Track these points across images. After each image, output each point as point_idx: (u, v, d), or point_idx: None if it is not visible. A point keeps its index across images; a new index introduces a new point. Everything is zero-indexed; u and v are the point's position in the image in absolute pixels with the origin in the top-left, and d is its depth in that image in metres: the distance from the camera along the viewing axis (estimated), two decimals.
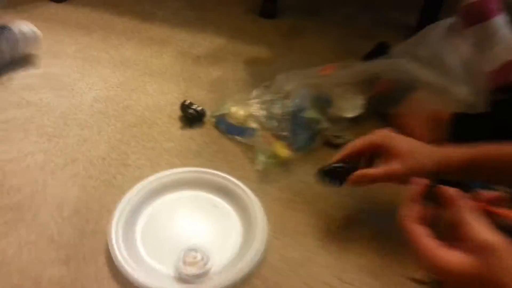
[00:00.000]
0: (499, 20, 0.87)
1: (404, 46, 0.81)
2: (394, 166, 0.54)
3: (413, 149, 0.56)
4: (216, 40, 1.07)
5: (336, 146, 0.77)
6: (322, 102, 0.82)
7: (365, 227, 0.63)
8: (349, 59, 0.94)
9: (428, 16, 1.09)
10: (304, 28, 1.17)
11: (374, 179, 0.56)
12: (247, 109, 0.77)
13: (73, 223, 0.60)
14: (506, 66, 0.90)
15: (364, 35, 1.11)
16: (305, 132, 0.75)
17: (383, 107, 0.85)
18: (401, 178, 0.53)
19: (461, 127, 0.79)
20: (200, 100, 0.84)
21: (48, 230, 0.59)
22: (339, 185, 0.59)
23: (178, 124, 0.80)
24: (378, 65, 0.77)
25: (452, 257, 0.33)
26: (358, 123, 0.82)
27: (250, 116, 0.76)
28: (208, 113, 0.81)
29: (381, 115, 0.85)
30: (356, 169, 0.58)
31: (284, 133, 0.73)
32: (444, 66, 0.76)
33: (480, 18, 0.88)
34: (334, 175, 0.59)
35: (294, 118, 0.75)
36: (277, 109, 0.75)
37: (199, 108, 0.81)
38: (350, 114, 0.83)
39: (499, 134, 0.66)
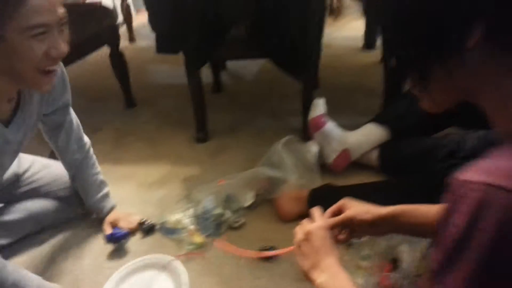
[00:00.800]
0: (329, 126, 1.37)
1: (265, 158, 1.29)
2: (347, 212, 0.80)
3: (360, 205, 0.81)
4: (164, 167, 1.56)
5: (236, 228, 1.21)
6: (228, 200, 1.28)
7: None
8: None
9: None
10: (227, 146, 1.67)
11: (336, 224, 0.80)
12: (176, 216, 1.22)
13: None
14: (342, 154, 1.37)
15: (269, 143, 1.60)
16: (212, 224, 1.19)
17: (267, 195, 1.30)
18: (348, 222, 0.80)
19: (315, 199, 1.23)
20: (152, 214, 1.29)
21: None
22: None
23: (139, 235, 1.25)
24: (252, 173, 1.25)
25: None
26: (250, 210, 1.27)
27: (179, 221, 1.21)
28: (157, 224, 1.27)
29: (267, 200, 1.30)
30: None
31: (199, 227, 1.18)
32: (285, 166, 1.23)
33: (317, 128, 1.37)
34: None
35: (205, 217, 1.20)
36: (194, 213, 1.21)
37: (151, 222, 1.27)
38: (245, 205, 1.28)
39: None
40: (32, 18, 0.79)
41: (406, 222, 0.76)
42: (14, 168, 1.24)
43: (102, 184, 1.29)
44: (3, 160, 1.02)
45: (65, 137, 1.19)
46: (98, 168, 1.29)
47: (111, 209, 1.29)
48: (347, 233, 0.82)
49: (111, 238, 1.19)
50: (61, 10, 0.84)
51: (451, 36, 0.46)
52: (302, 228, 0.76)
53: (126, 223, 1.25)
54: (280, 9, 1.32)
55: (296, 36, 1.36)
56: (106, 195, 1.29)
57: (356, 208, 0.80)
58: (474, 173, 0.41)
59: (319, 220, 0.77)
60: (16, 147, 1.04)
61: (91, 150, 1.28)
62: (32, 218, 1.25)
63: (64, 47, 0.86)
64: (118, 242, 1.19)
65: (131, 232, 1.24)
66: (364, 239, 1.07)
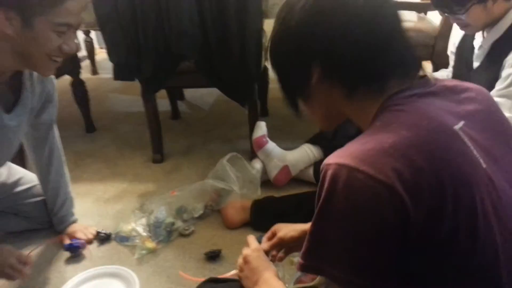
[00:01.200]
0: (269, 146, 1.56)
1: (213, 172, 1.45)
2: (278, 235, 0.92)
3: (288, 226, 0.93)
4: (121, 185, 1.68)
5: (186, 235, 1.34)
6: (179, 211, 1.41)
7: None
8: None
9: None
10: (181, 166, 1.81)
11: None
12: (131, 225, 1.34)
13: None
14: (283, 170, 1.56)
15: (217, 161, 1.76)
16: (164, 231, 1.32)
17: (215, 206, 1.45)
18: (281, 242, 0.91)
19: (257, 208, 1.39)
20: (109, 226, 1.40)
21: None
22: None
23: (96, 244, 1.35)
24: (200, 185, 1.40)
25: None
26: (200, 219, 1.41)
27: (132, 229, 1.33)
28: (113, 233, 1.37)
29: (216, 211, 1.44)
30: None
31: (150, 235, 1.30)
32: (229, 178, 1.39)
33: (260, 146, 1.56)
34: None
35: (157, 225, 1.32)
36: (147, 222, 1.33)
37: (107, 232, 1.37)
38: (196, 215, 1.42)
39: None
40: (61, 17, 0.93)
41: None
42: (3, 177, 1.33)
43: (68, 201, 1.38)
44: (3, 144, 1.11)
45: (48, 153, 1.29)
46: (69, 186, 1.39)
47: (65, 227, 1.37)
48: (285, 251, 0.95)
49: (69, 248, 1.28)
50: (82, 16, 0.99)
51: (297, 74, 0.67)
52: (242, 255, 0.88)
53: (83, 235, 1.35)
54: (222, 44, 1.52)
55: (237, 67, 1.55)
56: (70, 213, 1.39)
57: (285, 229, 0.93)
58: (332, 157, 0.59)
59: (253, 245, 0.89)
60: (11, 135, 1.12)
61: (66, 169, 1.37)
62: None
63: (74, 46, 1.00)
64: (75, 252, 1.29)
65: (87, 242, 1.33)
66: None
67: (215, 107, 2.48)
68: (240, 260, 0.87)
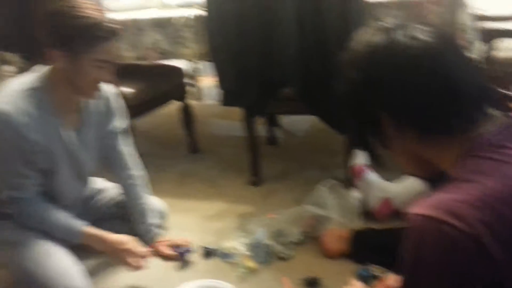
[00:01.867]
0: (370, 175, 1.52)
1: (310, 198, 1.46)
2: None
3: None
4: (221, 204, 1.77)
5: (284, 259, 1.36)
6: (277, 234, 1.44)
7: None
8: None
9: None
10: (277, 190, 1.86)
11: None
12: (232, 243, 1.40)
13: None
14: (384, 201, 1.51)
15: (314, 188, 1.76)
16: (263, 253, 1.35)
17: (312, 233, 1.45)
18: None
19: (358, 240, 1.36)
20: (211, 242, 1.48)
21: None
22: None
23: (200, 258, 1.43)
24: (297, 210, 1.42)
25: None
26: (298, 245, 1.42)
27: (234, 247, 1.39)
28: (215, 249, 1.45)
29: (313, 237, 1.44)
30: None
31: (251, 254, 1.34)
32: (328, 205, 1.39)
33: (359, 175, 1.53)
34: None
35: (257, 246, 1.36)
36: (247, 241, 1.38)
37: (211, 247, 1.45)
38: (293, 240, 1.43)
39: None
40: (99, 55, 1.15)
41: None
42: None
43: (149, 212, 1.46)
44: (82, 157, 1.30)
45: (119, 161, 1.43)
46: (143, 199, 1.46)
47: (153, 237, 1.45)
48: None
49: (181, 253, 1.39)
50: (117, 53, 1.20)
51: (371, 122, 0.69)
52: None
53: (183, 242, 1.45)
54: (324, 72, 1.55)
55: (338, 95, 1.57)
56: (150, 225, 1.46)
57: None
58: (418, 207, 0.58)
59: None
60: (84, 150, 1.30)
61: (138, 181, 1.46)
62: None
63: (109, 77, 1.20)
64: (184, 256, 1.40)
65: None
66: None
67: (310, 134, 2.51)
68: None
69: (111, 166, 1.45)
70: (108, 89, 1.34)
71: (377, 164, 0.76)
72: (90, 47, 1.13)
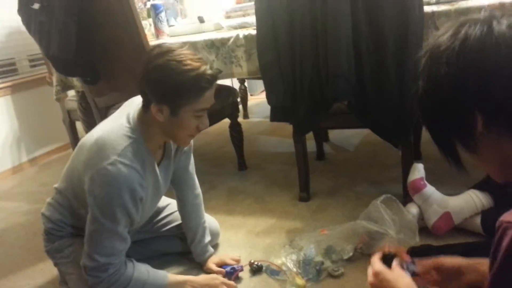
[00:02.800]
0: (428, 189, 1.43)
1: (364, 213, 1.39)
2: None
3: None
4: (270, 220, 1.75)
5: (335, 277, 1.30)
6: (328, 251, 1.39)
7: None
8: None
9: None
10: (327, 206, 1.80)
11: None
12: (281, 259, 1.37)
13: None
14: (443, 216, 1.41)
15: (367, 205, 1.69)
16: (313, 270, 1.30)
17: (365, 250, 1.38)
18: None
19: (415, 257, 1.27)
20: (259, 258, 1.46)
21: None
22: None
23: (248, 274, 1.41)
24: (351, 225, 1.36)
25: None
26: (349, 262, 1.35)
27: (283, 263, 1.35)
28: (264, 266, 1.42)
29: (366, 254, 1.37)
30: None
31: (300, 271, 1.30)
32: (384, 221, 1.31)
33: (417, 190, 1.45)
34: None
35: (306, 262, 1.32)
36: (297, 258, 1.34)
37: (259, 264, 1.42)
38: (345, 257, 1.37)
39: None
40: (201, 105, 1.14)
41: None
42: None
43: (206, 232, 1.49)
44: (163, 185, 1.32)
45: (189, 182, 1.48)
46: (204, 218, 1.50)
47: (210, 256, 1.48)
48: (441, 278, 0.91)
49: (230, 272, 1.39)
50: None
51: (460, 122, 0.62)
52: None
53: (231, 260, 1.44)
54: (379, 84, 1.50)
55: (394, 107, 1.51)
56: (207, 244, 1.49)
57: (447, 258, 0.92)
58: (510, 214, 0.53)
59: (377, 264, 0.91)
60: (162, 182, 1.32)
61: (201, 200, 1.51)
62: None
63: (207, 123, 1.21)
64: (232, 275, 1.38)
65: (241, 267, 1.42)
66: None
67: (360, 149, 2.44)
68: (370, 278, 0.90)
69: (181, 186, 1.48)
70: None
71: (458, 168, 0.69)
72: (194, 98, 1.11)
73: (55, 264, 1.41)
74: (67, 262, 1.34)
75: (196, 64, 1.10)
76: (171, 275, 1.33)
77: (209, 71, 1.12)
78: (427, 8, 1.43)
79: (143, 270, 1.27)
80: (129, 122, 1.19)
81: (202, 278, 1.34)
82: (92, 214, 1.15)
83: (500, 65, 0.57)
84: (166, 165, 1.33)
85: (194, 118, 1.15)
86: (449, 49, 0.61)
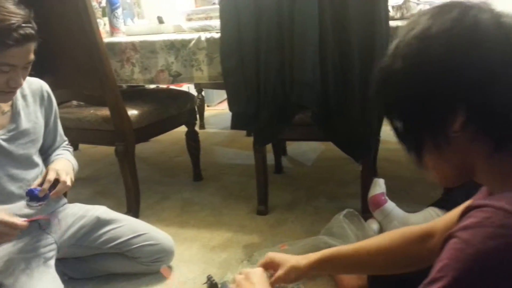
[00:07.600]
0: (389, 205, 1.42)
1: (326, 229, 1.35)
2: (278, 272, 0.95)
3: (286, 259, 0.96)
4: (226, 234, 1.65)
5: None
6: None
7: None
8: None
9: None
10: (285, 220, 1.74)
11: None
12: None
13: None
14: None
15: (326, 220, 1.65)
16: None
17: None
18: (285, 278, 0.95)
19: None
20: (215, 274, 1.35)
21: None
22: None
23: None
24: (313, 241, 1.30)
25: None
26: (310, 278, 1.29)
27: None
28: (219, 283, 1.32)
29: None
30: None
31: None
32: (347, 236, 1.27)
33: (378, 206, 1.43)
34: None
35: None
36: None
37: (214, 280, 1.32)
38: None
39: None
40: (6, 59, 1.05)
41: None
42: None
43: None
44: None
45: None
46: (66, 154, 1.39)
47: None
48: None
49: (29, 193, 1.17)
50: (31, 57, 1.11)
51: (438, 118, 0.57)
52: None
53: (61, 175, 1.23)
54: (343, 96, 1.49)
55: (357, 121, 1.49)
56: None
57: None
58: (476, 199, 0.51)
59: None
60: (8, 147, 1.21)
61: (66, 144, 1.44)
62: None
63: (20, 81, 1.12)
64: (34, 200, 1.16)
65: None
66: None
67: (318, 164, 2.42)
68: (239, 276, 0.91)
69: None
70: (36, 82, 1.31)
71: (418, 165, 0.64)
72: None
73: None
74: None
75: (8, 17, 1.04)
76: None
77: (22, 30, 1.05)
78: (391, 23, 1.45)
79: None
80: None
81: None
82: None
83: (496, 63, 0.53)
84: (15, 128, 1.22)
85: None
86: (445, 30, 0.55)
